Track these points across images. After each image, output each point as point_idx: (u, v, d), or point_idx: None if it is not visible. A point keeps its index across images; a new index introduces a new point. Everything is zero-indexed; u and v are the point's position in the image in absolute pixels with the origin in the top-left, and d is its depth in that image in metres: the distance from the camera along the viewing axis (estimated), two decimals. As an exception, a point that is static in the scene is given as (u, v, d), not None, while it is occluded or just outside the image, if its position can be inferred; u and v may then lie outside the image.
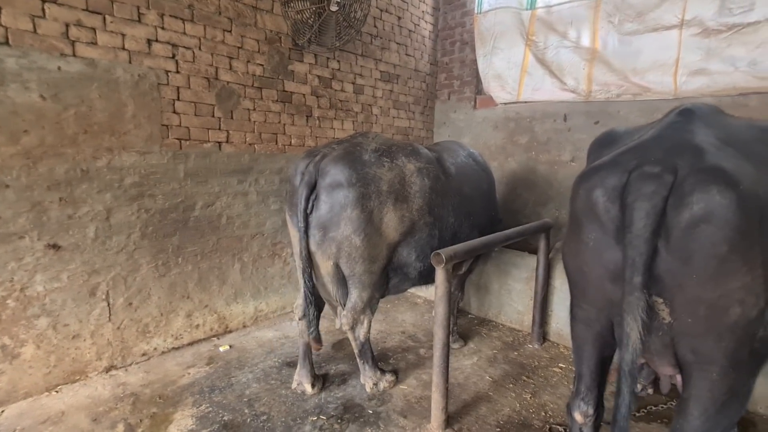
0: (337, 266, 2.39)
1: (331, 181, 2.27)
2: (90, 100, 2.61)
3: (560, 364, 3.07)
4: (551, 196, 4.31)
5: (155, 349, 3.10)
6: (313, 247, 2.37)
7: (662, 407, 2.50)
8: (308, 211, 2.31)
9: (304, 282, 2.35)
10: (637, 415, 2.45)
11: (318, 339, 2.44)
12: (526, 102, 4.49)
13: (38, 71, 2.40)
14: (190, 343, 3.29)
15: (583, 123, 4.07)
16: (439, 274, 2.16)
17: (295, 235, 2.45)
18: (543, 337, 3.39)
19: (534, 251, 3.60)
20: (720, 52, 3.20)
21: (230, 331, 3.55)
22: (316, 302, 2.67)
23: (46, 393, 2.60)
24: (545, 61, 4.21)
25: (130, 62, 2.75)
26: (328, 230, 2.31)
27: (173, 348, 3.20)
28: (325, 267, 2.40)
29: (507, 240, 2.71)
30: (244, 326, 3.65)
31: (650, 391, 2.64)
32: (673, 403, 2.53)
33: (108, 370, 2.87)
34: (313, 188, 2.32)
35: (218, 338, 3.43)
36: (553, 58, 4.14)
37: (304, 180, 2.33)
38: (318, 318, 2.57)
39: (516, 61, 4.39)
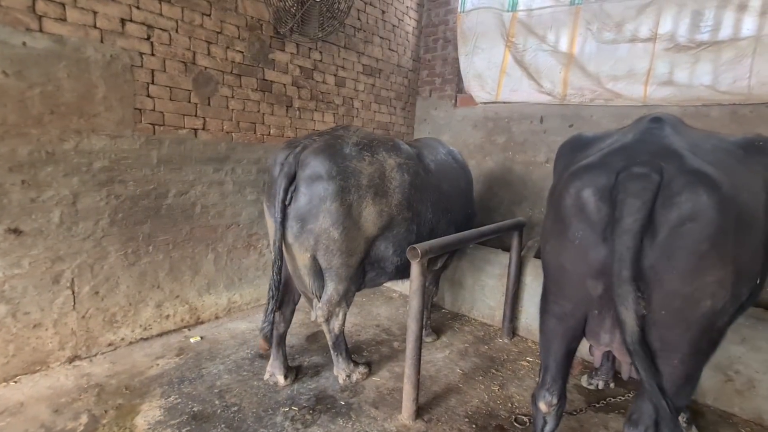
0: (314, 259, 2.38)
1: (311, 172, 2.26)
2: (57, 79, 2.49)
3: (528, 358, 3.18)
4: (526, 195, 4.44)
5: (122, 339, 3.01)
6: (290, 239, 2.36)
7: (620, 399, 2.65)
8: (286, 203, 2.30)
9: (272, 275, 2.33)
10: (597, 406, 2.58)
11: (268, 338, 2.36)
12: (504, 102, 4.58)
13: (0, 46, 2.27)
14: (160, 334, 3.22)
15: (559, 125, 4.20)
16: (415, 269, 2.20)
17: (272, 226, 2.43)
18: (513, 332, 3.51)
19: (507, 249, 3.71)
20: (688, 66, 3.38)
21: (202, 323, 3.49)
22: (290, 297, 2.68)
23: (4, 383, 2.49)
24: (523, 63, 4.31)
25: (101, 42, 2.64)
26: (306, 222, 2.30)
27: (141, 339, 3.12)
28: (302, 259, 2.39)
29: (482, 237, 2.78)
30: (217, 318, 3.59)
31: (612, 384, 2.78)
32: (631, 395, 2.68)
33: (71, 360, 2.77)
34: (292, 179, 2.30)
35: (189, 329, 3.36)
36: (531, 60, 4.25)
37: (283, 171, 2.31)
38: (286, 311, 2.55)
39: (496, 61, 4.47)
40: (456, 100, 5.04)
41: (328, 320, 2.52)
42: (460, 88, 5.03)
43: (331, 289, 2.45)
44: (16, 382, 2.53)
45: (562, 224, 1.51)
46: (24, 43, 2.35)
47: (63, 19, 2.47)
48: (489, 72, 4.51)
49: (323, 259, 2.37)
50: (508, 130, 4.57)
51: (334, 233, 2.29)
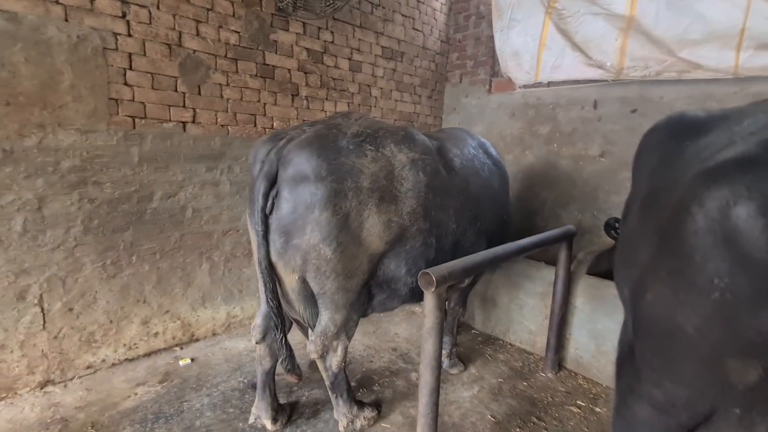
0: (303, 281, 1.89)
1: (295, 172, 1.76)
2: (13, 64, 2.13)
3: (579, 402, 2.54)
4: (574, 196, 3.73)
5: (103, 360, 2.67)
6: (274, 257, 1.87)
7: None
8: (267, 211, 1.81)
9: (267, 300, 1.85)
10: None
11: (293, 370, 1.91)
12: (549, 86, 3.88)
13: (-60, 25, 1.94)
14: (148, 354, 2.86)
15: (617, 111, 3.46)
16: (429, 301, 1.65)
17: (254, 239, 1.95)
18: (558, 364, 2.87)
19: (551, 261, 3.06)
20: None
21: (197, 340, 3.11)
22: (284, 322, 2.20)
23: (-37, 413, 2.20)
24: (568, 31, 3.56)
25: (66, 20, 2.26)
26: (291, 236, 1.80)
27: (126, 359, 2.77)
28: (289, 281, 1.90)
29: (521, 253, 2.17)
30: (214, 334, 3.21)
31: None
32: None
33: (43, 385, 2.45)
34: (273, 181, 1.81)
35: (182, 348, 2.99)
36: (578, 27, 3.49)
37: (263, 170, 1.82)
38: (284, 341, 2.10)
39: (534, 33, 3.76)
40: (491, 86, 4.38)
41: (323, 356, 2.02)
42: (495, 71, 4.37)
43: (326, 318, 1.94)
44: (-24, 412, 2.23)
45: (684, 260, 0.89)
46: (-31, 22, 2.00)
47: (17, -7, 2.11)
48: (526, 47, 3.81)
49: (314, 283, 1.87)
50: (554, 118, 3.87)
51: (325, 251, 1.78)
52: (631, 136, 3.37)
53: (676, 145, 1.09)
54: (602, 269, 3.06)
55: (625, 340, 1.19)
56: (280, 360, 1.95)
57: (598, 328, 2.72)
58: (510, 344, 3.22)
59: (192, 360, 2.83)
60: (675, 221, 0.90)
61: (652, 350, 1.04)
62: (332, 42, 3.54)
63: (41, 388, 2.44)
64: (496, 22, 4.00)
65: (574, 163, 3.74)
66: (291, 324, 2.25)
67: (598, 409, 2.46)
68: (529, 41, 3.77)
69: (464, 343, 3.21)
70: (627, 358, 1.15)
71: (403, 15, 4.09)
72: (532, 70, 3.81)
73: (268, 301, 1.88)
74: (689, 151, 1.01)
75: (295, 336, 2.80)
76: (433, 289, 1.61)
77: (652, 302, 0.99)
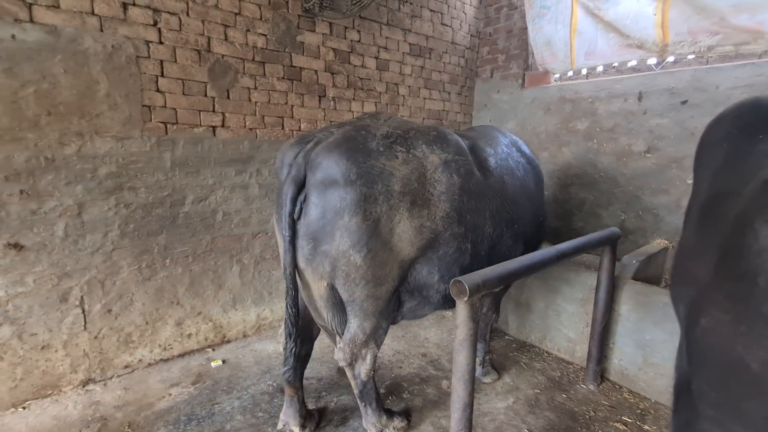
0: (332, 288, 1.84)
1: (324, 176, 1.71)
2: (53, 76, 2.21)
3: (624, 417, 2.37)
4: (616, 195, 3.50)
5: (140, 360, 2.74)
6: (301, 263, 1.84)
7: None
8: (295, 216, 1.78)
9: (287, 307, 1.83)
10: None
11: (292, 382, 1.92)
12: (588, 77, 3.66)
13: (-13, 39, 2.02)
14: (182, 355, 2.92)
15: (665, 103, 3.20)
16: (461, 311, 1.56)
17: (281, 244, 1.93)
18: (601, 375, 2.69)
19: (590, 264, 2.88)
20: None
21: (228, 341, 3.14)
22: (306, 331, 2.18)
23: (12, 409, 2.31)
24: (597, 12, 3.30)
25: (101, 30, 2.32)
26: (320, 242, 1.76)
27: (161, 360, 2.83)
28: (317, 288, 1.86)
29: (562, 258, 2.03)
30: (245, 336, 3.24)
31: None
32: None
33: (85, 383, 2.54)
34: (301, 186, 1.77)
35: (214, 349, 3.03)
36: (608, 4, 3.23)
37: (290, 174, 1.79)
38: (300, 351, 2.08)
39: (564, 19, 3.54)
40: (524, 80, 4.19)
41: (351, 364, 1.97)
42: (528, 64, 4.17)
43: (355, 326, 1.89)
44: (25, 407, 2.33)
45: (746, 284, 0.76)
46: (13, 36, 2.08)
47: (56, 7, 2.17)
48: (558, 35, 3.59)
49: (343, 290, 1.82)
50: (593, 112, 3.65)
51: (355, 257, 1.72)
52: (680, 130, 3.13)
53: (747, 140, 0.93)
54: (651, 274, 2.85)
55: (682, 366, 1.05)
56: (283, 370, 1.96)
57: (645, 338, 2.52)
58: (547, 352, 3.06)
59: (223, 361, 2.87)
60: (736, 236, 0.76)
61: (710, 383, 0.89)
62: (359, 41, 3.48)
63: (83, 386, 2.53)
64: (528, 12, 3.81)
65: (617, 160, 3.51)
66: (319, 331, 2.21)
67: (646, 427, 2.28)
68: (560, 28, 3.55)
69: (497, 350, 3.08)
70: (684, 387, 1.01)
71: (431, 10, 3.98)
72: (566, 58, 3.59)
73: (287, 308, 1.86)
74: (760, 149, 0.85)
75: (322, 339, 2.79)
76: (465, 299, 1.52)
77: (707, 329, 0.85)
